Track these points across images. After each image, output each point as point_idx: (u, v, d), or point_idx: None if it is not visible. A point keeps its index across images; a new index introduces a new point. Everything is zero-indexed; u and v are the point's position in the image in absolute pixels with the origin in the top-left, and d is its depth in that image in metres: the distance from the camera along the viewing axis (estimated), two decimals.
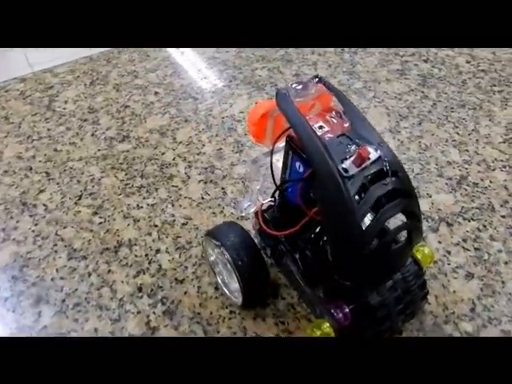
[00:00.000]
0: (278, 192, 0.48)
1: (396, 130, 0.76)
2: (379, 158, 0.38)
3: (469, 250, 0.58)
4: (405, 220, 0.39)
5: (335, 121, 0.41)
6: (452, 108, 0.79)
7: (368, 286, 0.42)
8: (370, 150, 0.38)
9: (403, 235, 0.40)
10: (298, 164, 0.42)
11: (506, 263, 0.56)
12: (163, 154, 0.74)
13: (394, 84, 0.85)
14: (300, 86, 0.42)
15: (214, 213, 0.64)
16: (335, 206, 0.38)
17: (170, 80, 0.90)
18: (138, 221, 0.63)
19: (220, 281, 0.54)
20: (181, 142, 0.76)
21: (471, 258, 0.57)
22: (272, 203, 0.51)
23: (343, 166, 0.38)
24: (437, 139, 0.74)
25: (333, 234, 0.39)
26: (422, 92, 0.83)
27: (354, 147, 0.39)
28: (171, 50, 0.99)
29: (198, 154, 0.73)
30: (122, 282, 0.56)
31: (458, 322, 0.51)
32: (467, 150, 0.71)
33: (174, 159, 0.73)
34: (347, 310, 0.45)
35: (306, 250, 0.47)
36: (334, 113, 0.42)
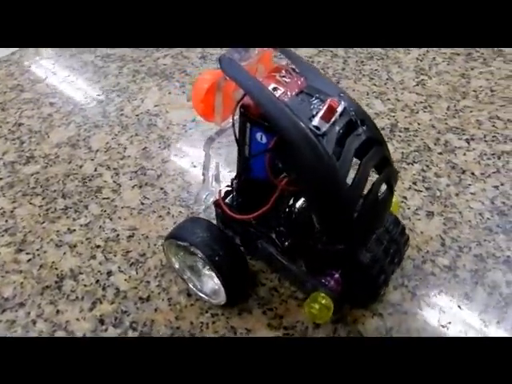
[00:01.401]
0: (236, 174, 0.44)
1: None
2: (345, 108, 0.36)
3: (421, 191, 0.59)
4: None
5: (288, 80, 0.38)
6: (362, 61, 0.81)
7: (360, 244, 0.40)
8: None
9: None
10: (259, 135, 0.38)
11: (456, 195, 0.58)
12: (81, 166, 0.65)
13: (300, 49, 0.85)
14: (242, 49, 0.38)
15: (160, 216, 0.57)
16: (315, 168, 0.35)
17: (64, 86, 0.80)
18: (75, 246, 0.55)
19: (192, 286, 0.48)
20: (98, 150, 0.67)
21: (426, 198, 0.58)
22: (229, 188, 0.46)
23: (313, 123, 0.35)
24: (358, 94, 0.74)
25: (317, 198, 0.36)
26: (331, 51, 0.84)
27: (316, 102, 0.36)
28: None
29: (121, 159, 0.66)
30: (78, 319, 0.48)
31: (434, 258, 0.51)
32: (389, 99, 0.73)
33: (95, 170, 0.64)
34: (337, 275, 0.43)
35: (282, 227, 0.44)
36: (283, 71, 0.39)
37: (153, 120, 0.72)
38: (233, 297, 0.45)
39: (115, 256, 0.53)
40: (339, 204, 0.35)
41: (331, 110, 0.34)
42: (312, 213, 0.38)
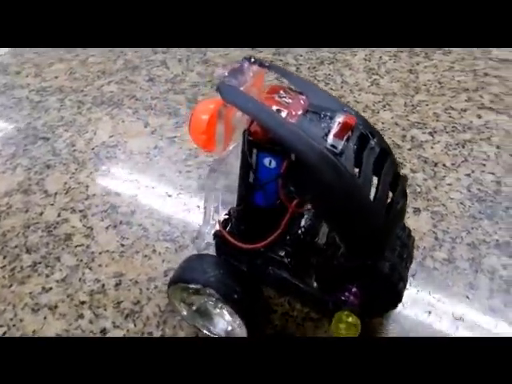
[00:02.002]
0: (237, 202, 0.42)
1: None
2: (356, 123, 0.35)
3: None
4: None
5: (289, 100, 0.36)
6: (314, 67, 0.82)
7: (382, 255, 0.39)
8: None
9: None
10: (267, 160, 0.36)
11: (435, 188, 0.60)
12: (41, 214, 0.58)
13: None
14: (236, 73, 0.36)
15: (145, 256, 0.53)
16: (338, 188, 0.33)
17: (2, 126, 0.72)
18: (56, 307, 0.48)
19: (206, 331, 0.45)
20: (56, 193, 0.61)
21: (409, 195, 0.58)
22: (227, 217, 0.44)
23: (329, 143, 0.33)
24: None
25: (342, 217, 0.35)
26: (281, 60, 0.83)
27: (325, 120, 0.35)
28: None
29: (86, 199, 0.60)
30: None
31: (432, 253, 0.52)
32: (348, 101, 0.74)
33: (59, 215, 0.58)
34: (354, 289, 0.42)
35: (292, 250, 0.42)
36: (281, 91, 0.37)
37: (111, 152, 0.67)
38: (254, 331, 0.42)
39: (105, 310, 0.48)
40: (366, 220, 0.34)
41: (346, 127, 0.33)
42: (334, 231, 0.37)
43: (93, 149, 0.67)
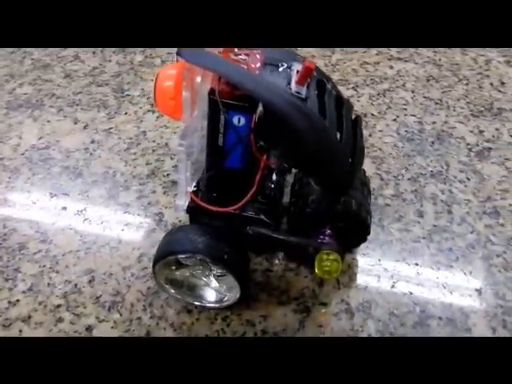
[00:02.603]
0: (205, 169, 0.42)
1: None
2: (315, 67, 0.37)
3: None
4: None
5: (245, 57, 0.37)
6: None
7: (351, 191, 0.43)
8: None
9: None
10: (236, 118, 0.37)
11: (370, 135, 0.65)
12: None
13: None
14: None
15: (113, 247, 0.51)
16: (309, 132, 0.35)
17: None
18: (30, 317, 0.45)
19: (198, 303, 0.45)
20: None
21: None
22: (195, 188, 0.44)
23: (293, 90, 0.35)
24: None
25: (314, 161, 0.37)
26: None
27: (283, 70, 0.37)
28: None
29: (26, 210, 0.56)
30: None
31: (382, 192, 0.57)
32: None
33: (4, 226, 0.54)
34: (328, 230, 0.45)
35: (267, 205, 0.44)
36: (236, 50, 0.38)
37: (45, 154, 0.63)
38: (246, 291, 0.43)
39: (85, 308, 0.46)
40: (338, 160, 0.37)
41: (307, 73, 0.35)
42: (309, 175, 0.39)
43: (23, 154, 0.63)
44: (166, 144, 0.64)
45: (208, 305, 0.45)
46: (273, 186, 0.43)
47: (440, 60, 0.78)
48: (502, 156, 0.62)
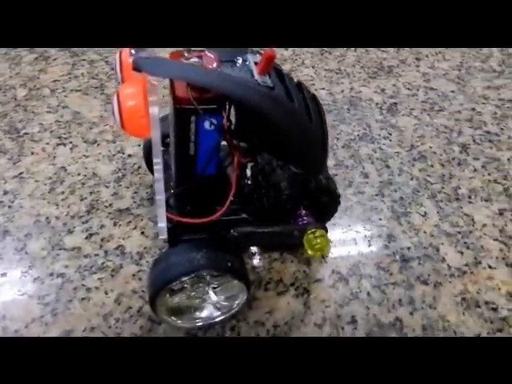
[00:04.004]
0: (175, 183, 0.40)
1: None
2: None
3: None
4: None
5: (197, 59, 0.36)
6: None
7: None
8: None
9: None
10: (207, 122, 0.35)
11: None
12: None
13: None
14: (140, 50, 0.34)
15: (83, 299, 0.46)
16: (283, 120, 0.35)
17: None
18: None
19: (205, 322, 0.43)
20: None
21: None
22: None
23: (259, 81, 0.35)
24: None
25: (291, 146, 0.37)
26: None
27: (241, 64, 0.36)
28: None
29: None
30: None
31: None
32: None
33: None
34: (303, 211, 0.46)
35: (246, 203, 0.43)
36: (185, 53, 0.36)
37: None
38: (249, 291, 0.42)
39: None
40: (313, 141, 0.38)
41: (270, 61, 0.35)
42: (288, 161, 0.40)
43: None
44: (94, 173, 0.59)
45: (216, 320, 0.43)
46: (249, 182, 0.43)
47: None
48: (407, 107, 0.69)
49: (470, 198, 0.56)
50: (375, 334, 0.43)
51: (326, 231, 0.44)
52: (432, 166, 0.60)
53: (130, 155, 0.61)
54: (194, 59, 0.36)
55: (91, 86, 0.73)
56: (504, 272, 0.48)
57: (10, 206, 0.54)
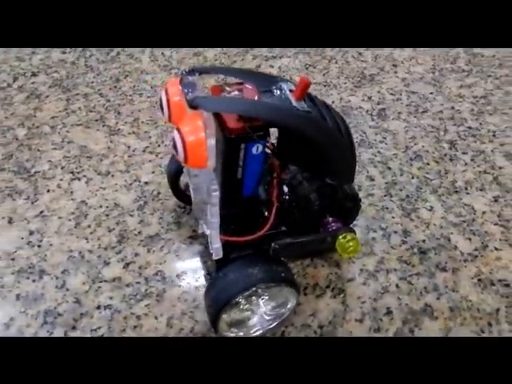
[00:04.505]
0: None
1: None
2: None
3: None
4: None
5: (237, 92, 0.39)
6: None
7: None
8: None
9: None
10: (254, 148, 0.39)
11: None
12: None
13: None
14: (189, 86, 0.37)
15: (137, 326, 0.48)
16: (322, 139, 0.39)
17: None
18: None
19: (260, 330, 0.46)
20: None
21: None
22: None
23: (299, 106, 0.39)
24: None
25: (330, 161, 0.42)
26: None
27: (278, 93, 0.40)
28: None
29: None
30: None
31: None
32: None
33: None
34: (329, 218, 0.50)
35: (285, 216, 0.47)
36: (226, 88, 0.40)
37: None
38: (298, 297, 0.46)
39: None
40: (346, 154, 0.42)
41: (305, 88, 0.39)
42: (325, 174, 0.44)
43: None
44: (116, 204, 0.60)
45: (270, 327, 0.46)
46: (287, 197, 0.46)
47: (305, 48, 0.89)
48: (395, 112, 0.75)
49: (466, 189, 0.62)
50: (411, 322, 0.48)
51: (355, 234, 0.49)
52: (428, 163, 0.66)
53: (146, 183, 0.63)
54: (235, 92, 0.39)
55: (91, 120, 0.74)
56: (510, 252, 0.54)
57: (39, 246, 0.55)
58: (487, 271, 0.53)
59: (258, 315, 0.46)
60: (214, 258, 0.42)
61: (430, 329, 0.47)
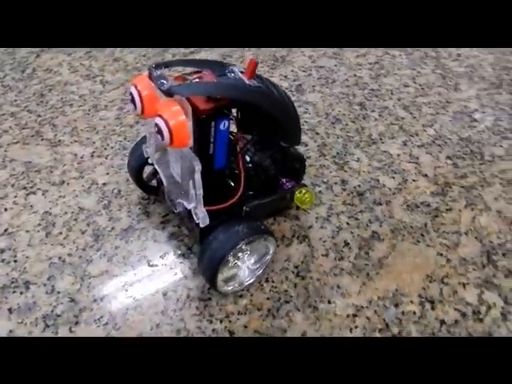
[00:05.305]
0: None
1: None
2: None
3: None
4: None
5: (198, 79, 0.45)
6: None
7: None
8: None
9: None
10: (222, 124, 0.45)
11: None
12: None
13: None
14: (161, 78, 0.42)
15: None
16: (276, 108, 0.47)
17: None
18: None
19: (250, 280, 0.53)
20: None
21: None
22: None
23: (251, 84, 0.46)
24: None
25: (283, 126, 0.49)
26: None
27: (231, 75, 0.47)
28: None
29: None
30: None
31: None
32: None
33: None
34: (283, 179, 0.58)
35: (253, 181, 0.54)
36: (187, 77, 0.45)
37: None
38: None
39: None
40: (296, 119, 0.51)
41: (255, 67, 0.46)
42: (279, 138, 0.52)
43: None
44: (80, 208, 0.63)
45: (257, 274, 0.54)
46: (251, 165, 0.53)
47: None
48: (310, 86, 0.86)
49: (381, 139, 0.75)
50: (365, 247, 0.58)
51: (307, 187, 0.58)
52: (347, 124, 0.77)
53: (104, 184, 0.66)
54: (196, 80, 0.46)
55: (27, 136, 0.74)
56: (423, 181, 0.68)
57: (15, 261, 0.56)
58: (411, 198, 0.65)
59: (243, 269, 0.53)
60: (202, 225, 0.48)
61: (380, 249, 0.58)
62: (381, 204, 0.64)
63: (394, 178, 0.68)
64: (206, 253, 0.48)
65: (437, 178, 0.68)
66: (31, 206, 0.63)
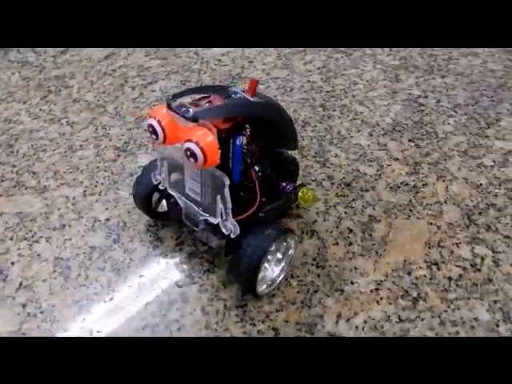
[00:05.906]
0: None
1: None
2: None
3: None
4: None
5: (208, 103, 0.49)
6: None
7: None
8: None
9: None
10: (238, 140, 0.50)
11: None
12: None
13: None
14: (184, 106, 0.46)
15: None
16: (281, 119, 0.53)
17: None
18: None
19: (281, 276, 0.57)
20: None
21: None
22: None
23: (256, 101, 0.51)
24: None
25: (286, 134, 0.55)
26: None
27: (235, 95, 0.51)
28: None
29: None
30: None
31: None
32: None
33: None
34: (283, 183, 0.63)
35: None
36: (200, 102, 0.49)
37: None
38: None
39: None
40: (293, 127, 0.56)
41: (255, 86, 0.51)
42: (283, 146, 0.57)
43: None
44: (91, 247, 0.63)
45: (286, 269, 0.58)
46: (260, 174, 0.58)
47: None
48: (271, 96, 0.92)
49: (349, 134, 0.83)
50: (367, 230, 0.65)
51: (307, 186, 0.64)
52: (315, 126, 0.85)
53: (107, 219, 0.67)
54: (207, 104, 0.50)
55: (8, 188, 0.73)
56: (397, 164, 0.76)
57: (41, 312, 0.56)
58: (391, 181, 0.73)
59: (272, 268, 0.57)
60: (234, 235, 0.52)
61: (380, 229, 0.65)
62: (368, 190, 0.71)
63: (371, 165, 0.76)
64: (242, 260, 0.52)
65: (406, 159, 0.77)
66: (38, 254, 0.62)
